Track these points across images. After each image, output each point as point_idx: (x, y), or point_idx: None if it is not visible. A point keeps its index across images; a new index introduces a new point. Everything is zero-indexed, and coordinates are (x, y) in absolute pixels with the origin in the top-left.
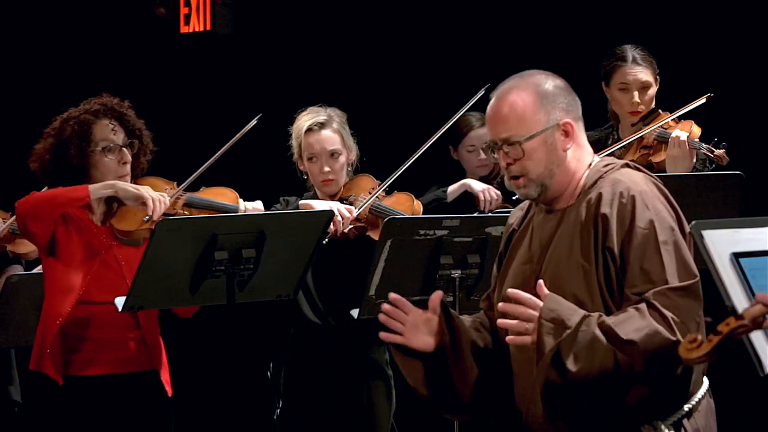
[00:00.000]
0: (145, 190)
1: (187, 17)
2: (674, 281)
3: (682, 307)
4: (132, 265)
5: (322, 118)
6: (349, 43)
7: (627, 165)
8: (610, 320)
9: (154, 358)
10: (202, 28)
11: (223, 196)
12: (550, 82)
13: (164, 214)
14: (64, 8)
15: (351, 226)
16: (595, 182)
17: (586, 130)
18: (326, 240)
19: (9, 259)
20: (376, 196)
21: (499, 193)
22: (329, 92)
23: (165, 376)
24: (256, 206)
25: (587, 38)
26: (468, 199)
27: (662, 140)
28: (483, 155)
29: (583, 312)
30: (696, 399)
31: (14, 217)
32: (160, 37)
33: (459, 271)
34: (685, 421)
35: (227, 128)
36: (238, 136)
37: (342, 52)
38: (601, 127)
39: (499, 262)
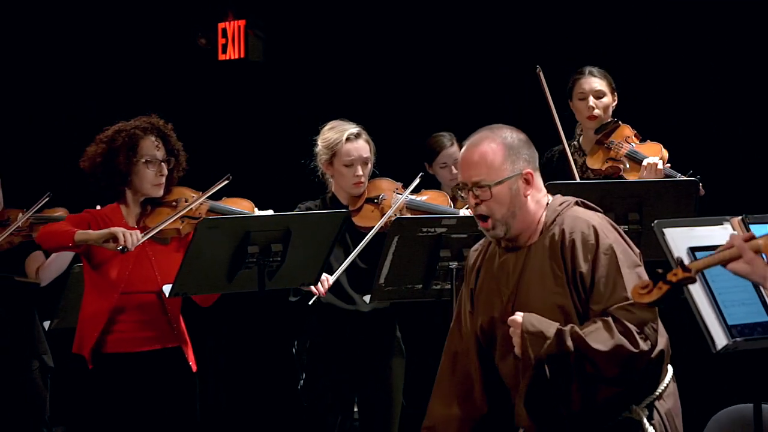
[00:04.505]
0: (115, 229)
1: (224, 46)
2: (626, 294)
3: (641, 320)
4: (161, 259)
5: (356, 129)
6: (365, 68)
7: (577, 203)
8: (580, 330)
9: (178, 337)
10: (237, 56)
11: (239, 205)
12: (515, 136)
13: (191, 217)
14: (124, 40)
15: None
16: (554, 220)
17: None
18: (311, 302)
19: (35, 245)
20: (407, 195)
21: None
22: (347, 111)
23: (189, 353)
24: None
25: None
26: None
27: (634, 159)
28: (455, 170)
29: (557, 324)
30: (664, 384)
31: (31, 211)
32: (201, 63)
33: (456, 263)
34: (656, 403)
35: (257, 141)
36: (210, 190)
37: (358, 76)
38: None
39: (471, 297)
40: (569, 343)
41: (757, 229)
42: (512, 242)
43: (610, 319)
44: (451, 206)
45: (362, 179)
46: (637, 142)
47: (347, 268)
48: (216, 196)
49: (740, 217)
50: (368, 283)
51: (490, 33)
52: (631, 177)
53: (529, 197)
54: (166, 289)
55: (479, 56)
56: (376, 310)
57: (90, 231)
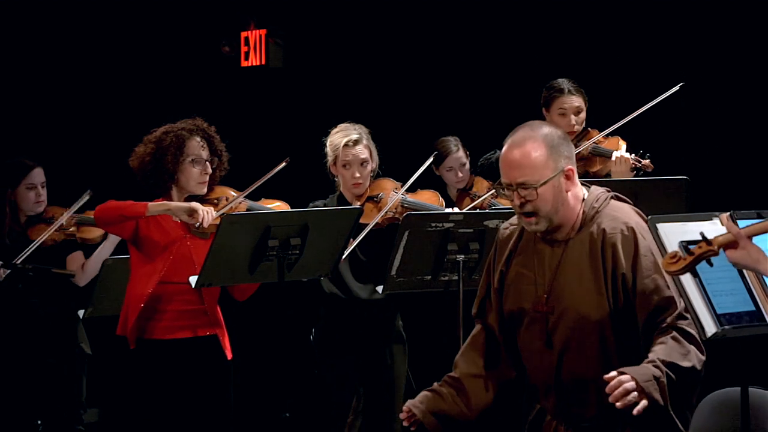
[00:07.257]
0: (196, 204)
1: (247, 54)
2: (671, 293)
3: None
4: (201, 253)
5: (355, 135)
6: (378, 74)
7: (614, 197)
8: (662, 356)
9: (215, 325)
10: (258, 63)
11: (276, 206)
12: (554, 133)
13: (231, 215)
14: (154, 49)
15: (382, 218)
16: (593, 217)
17: None
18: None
19: (77, 244)
20: (402, 194)
21: None
22: (361, 115)
23: (225, 341)
24: None
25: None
26: None
27: (596, 154)
28: (460, 174)
29: (650, 365)
30: None
31: (74, 208)
32: (225, 70)
33: (462, 256)
34: None
35: (277, 143)
36: (269, 174)
37: (371, 82)
38: None
39: (500, 278)
40: (664, 369)
41: (743, 225)
42: (550, 234)
43: (673, 332)
44: (443, 205)
45: (360, 180)
46: (602, 140)
47: (350, 261)
48: (254, 197)
49: (728, 213)
50: (369, 275)
51: (490, 37)
52: (593, 168)
53: (569, 193)
54: (192, 280)
55: (482, 61)
56: (374, 300)
57: (165, 202)
